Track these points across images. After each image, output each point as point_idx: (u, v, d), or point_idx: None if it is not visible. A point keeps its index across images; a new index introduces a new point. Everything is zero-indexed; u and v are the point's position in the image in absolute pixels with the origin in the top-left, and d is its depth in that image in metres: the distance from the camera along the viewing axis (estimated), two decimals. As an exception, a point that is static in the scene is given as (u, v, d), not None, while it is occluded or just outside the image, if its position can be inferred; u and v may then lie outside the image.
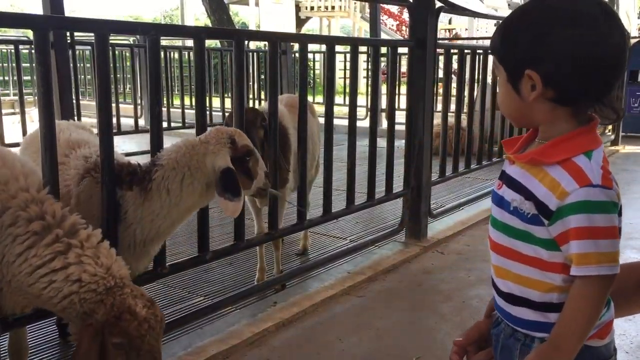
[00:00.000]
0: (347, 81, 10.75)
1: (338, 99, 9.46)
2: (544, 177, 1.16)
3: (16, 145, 3.71)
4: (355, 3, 19.59)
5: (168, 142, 2.40)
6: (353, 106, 3.60)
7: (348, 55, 11.31)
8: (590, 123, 1.19)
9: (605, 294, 1.15)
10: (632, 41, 8.89)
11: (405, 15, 20.99)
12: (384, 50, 4.89)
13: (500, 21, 1.27)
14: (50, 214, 1.84)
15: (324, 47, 11.56)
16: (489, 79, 5.01)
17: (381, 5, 11.10)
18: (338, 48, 3.80)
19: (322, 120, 3.46)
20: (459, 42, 9.75)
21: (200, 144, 2.22)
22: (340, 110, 8.16)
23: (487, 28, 13.44)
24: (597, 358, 1.22)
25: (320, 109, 9.09)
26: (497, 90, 1.28)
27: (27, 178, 1.90)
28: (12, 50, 8.67)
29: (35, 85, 9.35)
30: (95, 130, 2.30)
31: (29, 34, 8.67)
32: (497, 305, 1.34)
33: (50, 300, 1.80)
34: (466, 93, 4.98)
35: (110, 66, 2.18)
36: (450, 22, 16.85)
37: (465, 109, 5.04)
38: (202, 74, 2.54)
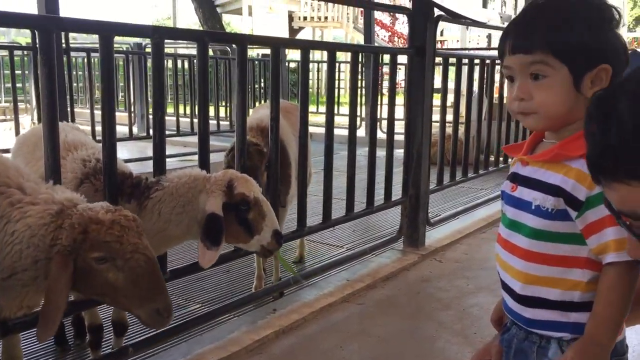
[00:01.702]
0: (340, 91, 10.76)
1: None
2: (568, 170, 1.18)
3: (8, 151, 3.67)
4: (348, 14, 19.71)
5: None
6: (353, 115, 3.59)
7: (342, 66, 11.37)
8: None
9: (635, 275, 1.16)
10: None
11: (397, 27, 21.15)
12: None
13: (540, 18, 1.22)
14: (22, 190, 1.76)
15: (317, 57, 11.63)
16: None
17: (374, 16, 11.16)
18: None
19: (319, 129, 3.45)
20: (459, 51, 9.82)
21: (201, 180, 2.16)
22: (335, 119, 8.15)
23: (479, 40, 13.53)
24: (615, 354, 1.22)
25: (313, 119, 9.07)
26: (539, 93, 1.21)
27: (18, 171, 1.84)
28: (5, 58, 8.61)
29: (26, 92, 9.30)
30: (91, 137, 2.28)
31: (22, 40, 8.63)
32: (508, 309, 1.34)
33: (23, 269, 1.70)
34: (463, 102, 5.00)
35: (114, 69, 2.15)
36: (442, 34, 16.94)
37: (462, 120, 5.05)
38: (204, 78, 2.52)
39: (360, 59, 6.08)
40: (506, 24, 12.47)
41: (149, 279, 1.72)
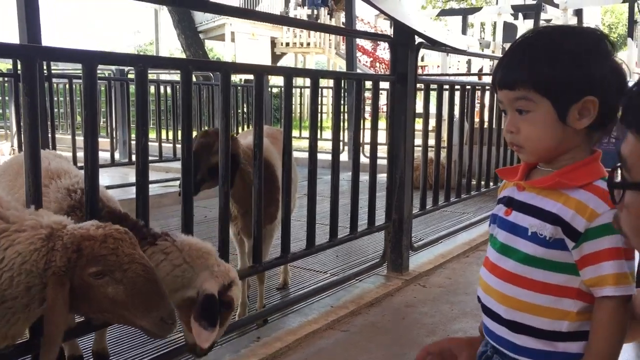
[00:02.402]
0: (324, 116, 10.82)
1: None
2: (567, 200, 1.18)
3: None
4: (330, 40, 19.94)
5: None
6: (336, 140, 3.62)
7: (324, 91, 11.46)
8: (595, 153, 1.24)
9: (627, 310, 1.17)
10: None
11: (379, 52, 21.42)
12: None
13: (521, 52, 1.25)
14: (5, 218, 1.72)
15: (300, 82, 11.75)
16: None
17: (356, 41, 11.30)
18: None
19: (300, 154, 3.46)
20: (440, 77, 9.97)
21: (209, 257, 2.12)
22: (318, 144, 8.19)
23: (459, 65, 13.75)
24: None
25: (297, 144, 9.08)
26: (527, 128, 1.23)
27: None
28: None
29: (6, 119, 9.19)
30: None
31: (2, 66, 8.57)
32: (491, 334, 1.32)
33: (13, 297, 1.65)
34: (445, 127, 5.05)
35: (97, 98, 2.15)
36: (422, 59, 17.19)
37: (443, 144, 5.11)
38: (188, 106, 2.53)
39: (343, 85, 6.14)
40: (485, 50, 12.67)
41: (150, 288, 1.71)
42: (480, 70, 12.38)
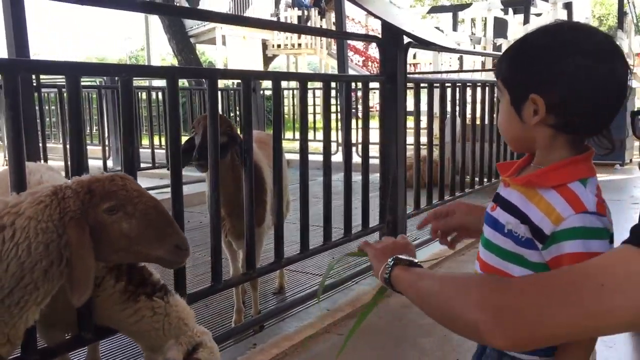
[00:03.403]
0: (317, 116, 10.80)
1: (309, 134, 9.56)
2: (539, 200, 1.16)
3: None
4: (321, 40, 19.92)
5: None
6: (327, 141, 3.60)
7: (317, 92, 11.45)
8: (586, 152, 1.20)
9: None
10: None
11: (371, 51, 21.41)
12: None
13: (508, 46, 1.30)
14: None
15: (292, 84, 11.75)
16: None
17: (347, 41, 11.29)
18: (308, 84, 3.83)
19: (294, 156, 3.44)
20: (429, 76, 9.97)
21: (185, 326, 2.08)
22: (311, 145, 8.19)
23: (451, 62, 13.76)
24: None
25: (290, 145, 9.05)
26: (499, 115, 1.28)
27: None
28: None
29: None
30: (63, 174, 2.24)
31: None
32: None
33: (32, 266, 1.65)
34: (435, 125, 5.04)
35: (82, 109, 2.13)
36: (414, 57, 17.20)
37: (436, 142, 5.10)
38: (176, 114, 2.51)
39: (335, 86, 6.08)
40: (477, 46, 12.67)
41: (161, 218, 1.78)
42: (473, 66, 12.39)
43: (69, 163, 5.67)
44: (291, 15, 20.40)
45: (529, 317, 0.99)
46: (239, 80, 3.07)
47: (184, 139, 2.86)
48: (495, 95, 5.38)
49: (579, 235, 1.11)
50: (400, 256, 1.29)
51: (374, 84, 4.87)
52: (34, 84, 4.96)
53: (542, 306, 0.98)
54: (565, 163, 1.18)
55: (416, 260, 1.29)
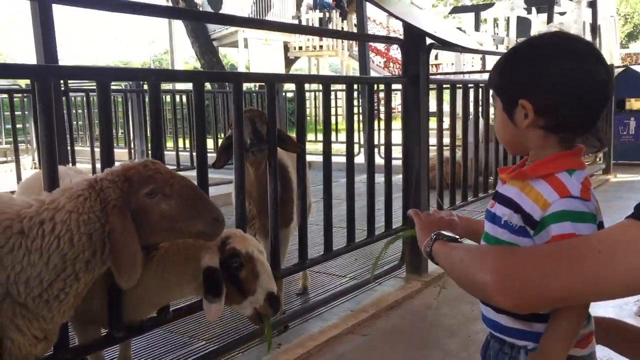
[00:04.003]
0: (339, 118, 10.83)
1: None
2: (530, 191, 1.27)
3: (12, 193, 3.69)
4: (342, 42, 19.93)
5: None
6: (350, 143, 3.62)
7: (339, 93, 11.47)
8: (575, 148, 1.30)
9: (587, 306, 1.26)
10: (617, 71, 9.08)
11: (392, 52, 21.36)
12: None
13: (497, 56, 1.40)
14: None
15: (314, 86, 11.80)
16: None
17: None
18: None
19: (317, 158, 3.47)
20: (451, 77, 9.93)
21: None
22: (333, 146, 8.22)
23: (473, 62, 13.67)
24: None
25: (313, 147, 9.09)
26: (495, 122, 1.38)
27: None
28: (5, 100, 8.70)
29: (27, 133, 9.38)
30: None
31: (22, 82, 8.78)
32: (485, 318, 1.41)
33: (74, 257, 1.72)
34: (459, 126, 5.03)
35: (111, 113, 2.19)
36: (436, 58, 17.13)
37: (459, 142, 5.08)
38: (202, 116, 2.55)
39: (357, 87, 6.10)
40: (499, 46, 12.56)
41: (196, 195, 1.87)
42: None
43: (97, 166, 5.77)
44: (312, 18, 20.46)
45: (532, 281, 1.10)
46: (262, 83, 3.11)
47: (208, 141, 2.91)
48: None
49: (565, 218, 1.20)
50: (443, 232, 1.39)
51: (396, 86, 4.87)
52: (62, 89, 5.06)
53: (545, 271, 1.08)
54: (554, 157, 1.28)
55: (458, 237, 1.40)
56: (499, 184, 1.39)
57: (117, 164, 2.09)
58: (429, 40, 3.94)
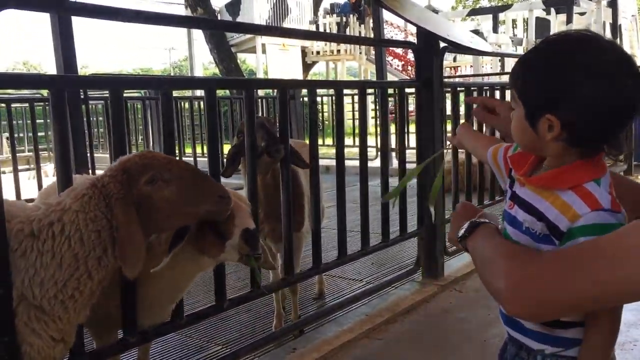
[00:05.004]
0: (356, 122, 10.82)
1: (347, 140, 9.58)
2: (555, 200, 1.23)
3: (31, 200, 3.76)
4: (360, 46, 19.92)
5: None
6: (363, 147, 3.63)
7: (355, 97, 11.46)
8: (595, 155, 1.25)
9: (620, 315, 1.24)
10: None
11: (410, 56, 21.29)
12: (390, 90, 4.95)
13: (521, 56, 1.32)
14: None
15: (331, 90, 11.80)
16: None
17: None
18: (345, 90, 3.87)
19: (333, 162, 3.48)
20: (466, 80, 9.88)
21: None
22: (350, 151, 8.22)
23: (492, 64, 13.56)
24: None
25: (329, 151, 9.08)
26: (512, 121, 1.31)
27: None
28: (27, 108, 8.87)
29: (49, 141, 9.52)
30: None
31: (43, 91, 8.96)
32: (503, 316, 1.39)
33: (85, 255, 1.74)
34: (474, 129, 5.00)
35: (125, 121, 2.23)
36: (455, 60, 17.04)
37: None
38: (214, 122, 2.58)
39: (374, 91, 6.08)
40: (518, 47, 12.43)
41: (197, 176, 1.88)
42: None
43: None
44: (330, 22, 20.50)
45: (543, 290, 1.08)
46: (278, 88, 3.12)
47: (225, 147, 2.93)
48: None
49: (594, 232, 1.16)
50: (477, 219, 1.36)
51: (411, 89, 4.86)
52: (82, 97, 5.15)
53: (557, 278, 1.07)
54: (577, 165, 1.23)
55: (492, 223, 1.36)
56: (516, 184, 1.35)
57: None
58: (442, 44, 3.93)
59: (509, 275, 1.12)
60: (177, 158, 1.94)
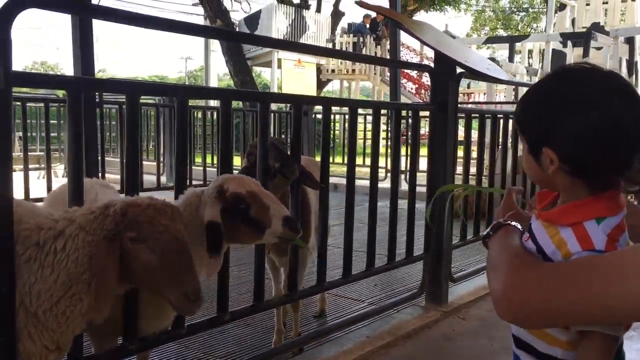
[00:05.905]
0: (367, 142, 10.81)
1: (357, 159, 9.58)
2: (554, 235, 1.25)
3: (40, 200, 3.77)
4: (375, 67, 20.03)
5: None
6: (374, 167, 3.62)
7: (368, 117, 11.48)
8: (610, 190, 1.24)
9: (612, 352, 1.20)
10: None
11: (424, 79, 21.37)
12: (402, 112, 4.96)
13: (524, 91, 1.36)
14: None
15: (344, 109, 11.84)
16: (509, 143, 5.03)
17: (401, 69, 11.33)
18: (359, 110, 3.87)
19: (344, 180, 3.46)
20: (481, 107, 9.88)
21: (194, 195, 2.16)
22: (359, 170, 8.21)
23: (506, 93, 13.56)
24: None
25: (338, 169, 9.09)
26: (522, 156, 1.35)
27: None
28: (41, 108, 8.95)
29: (61, 142, 9.60)
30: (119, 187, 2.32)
31: (58, 92, 9.04)
32: (514, 346, 1.40)
33: (78, 275, 1.71)
34: (486, 156, 4.99)
35: (139, 126, 2.23)
36: (469, 87, 17.06)
37: (486, 172, 5.04)
38: (228, 133, 2.58)
39: (387, 112, 6.07)
40: (533, 78, 12.43)
41: (178, 260, 1.74)
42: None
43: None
44: (347, 41, 20.64)
45: (536, 297, 1.11)
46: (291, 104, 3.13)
47: (235, 159, 2.92)
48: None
49: None
50: (502, 220, 1.37)
51: (424, 112, 4.87)
52: (97, 100, 5.19)
53: (550, 287, 1.10)
54: (583, 202, 1.24)
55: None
56: (533, 217, 1.36)
57: (144, 176, 2.12)
58: (459, 69, 3.93)
59: (507, 278, 1.16)
60: (179, 225, 1.82)
